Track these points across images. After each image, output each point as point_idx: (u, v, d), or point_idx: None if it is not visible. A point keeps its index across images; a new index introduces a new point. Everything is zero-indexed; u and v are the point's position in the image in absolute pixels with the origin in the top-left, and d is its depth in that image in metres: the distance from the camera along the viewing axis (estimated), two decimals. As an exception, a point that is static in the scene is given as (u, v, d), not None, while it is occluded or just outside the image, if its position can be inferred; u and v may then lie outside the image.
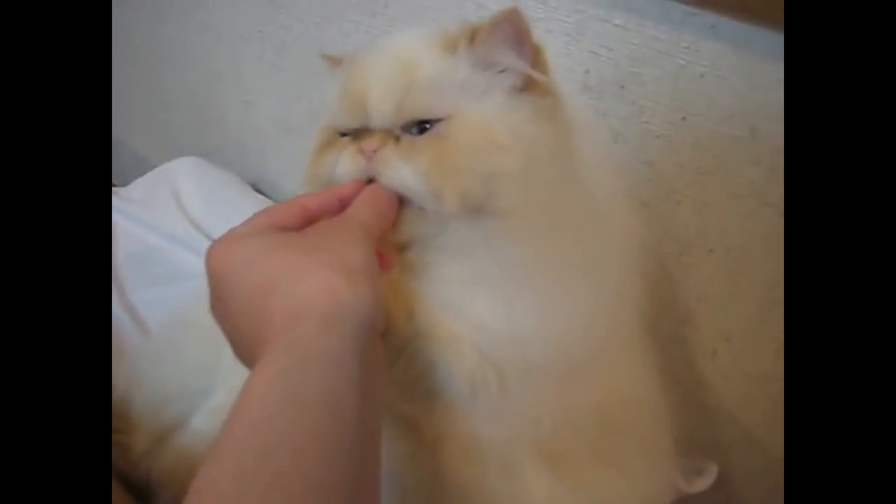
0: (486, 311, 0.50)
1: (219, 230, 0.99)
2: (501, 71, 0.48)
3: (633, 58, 0.66)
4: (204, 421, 0.64)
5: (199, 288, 0.56)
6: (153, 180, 1.04)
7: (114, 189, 1.04)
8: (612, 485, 0.59)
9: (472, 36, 0.48)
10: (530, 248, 0.50)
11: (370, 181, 0.48)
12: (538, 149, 0.48)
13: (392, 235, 0.50)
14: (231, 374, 0.62)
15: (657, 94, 0.66)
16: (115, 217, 0.98)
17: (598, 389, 0.56)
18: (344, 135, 0.51)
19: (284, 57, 1.00)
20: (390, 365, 0.49)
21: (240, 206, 1.02)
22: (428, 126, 0.47)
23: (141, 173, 1.11)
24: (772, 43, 0.58)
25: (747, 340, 0.70)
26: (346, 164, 0.49)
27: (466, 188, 0.46)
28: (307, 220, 0.47)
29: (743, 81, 0.60)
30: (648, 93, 0.66)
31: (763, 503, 0.78)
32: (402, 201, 0.48)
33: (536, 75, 0.48)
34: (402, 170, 0.46)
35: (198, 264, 0.97)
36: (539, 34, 0.65)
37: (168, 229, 0.96)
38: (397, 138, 0.47)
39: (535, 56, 0.49)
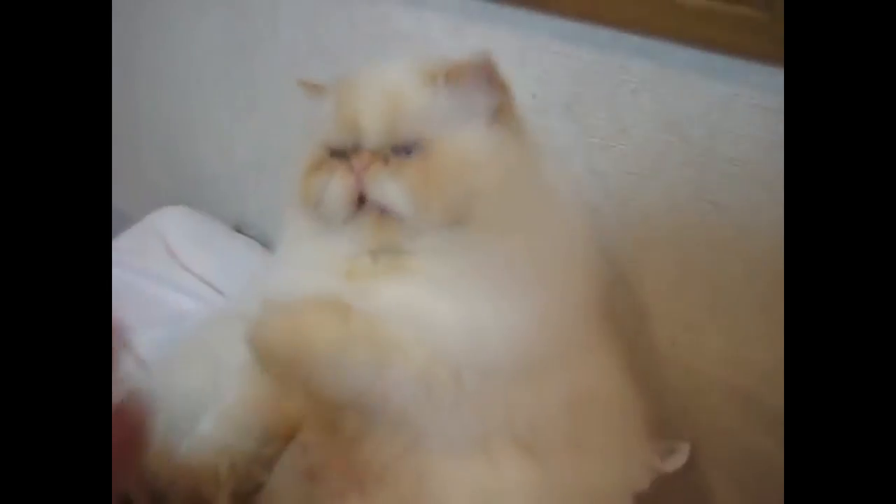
0: (446, 313, 0.56)
1: (210, 271, 1.04)
2: (474, 104, 0.56)
3: (573, 80, 0.73)
4: (211, 424, 0.67)
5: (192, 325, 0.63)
6: (141, 231, 1.10)
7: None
8: (588, 467, 0.64)
9: (449, 73, 0.56)
10: (495, 254, 0.57)
11: (360, 199, 0.55)
12: (509, 168, 0.57)
13: (374, 242, 0.57)
14: (239, 383, 0.65)
15: (597, 111, 0.73)
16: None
17: (565, 384, 0.62)
18: (334, 154, 0.58)
19: (256, 104, 1.06)
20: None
21: (227, 248, 1.09)
22: (413, 149, 0.55)
23: (121, 227, 1.16)
24: (690, 58, 0.65)
25: (703, 327, 0.77)
26: (338, 182, 0.56)
27: (450, 202, 0.54)
28: None
29: (669, 92, 0.68)
30: (589, 110, 0.74)
31: (731, 476, 0.84)
32: (382, 211, 0.56)
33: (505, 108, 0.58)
34: (390, 186, 0.54)
35: (190, 304, 1.02)
36: None
37: (160, 275, 1.02)
38: (385, 159, 0.55)
39: (502, 91, 0.58)
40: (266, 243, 1.10)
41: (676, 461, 0.84)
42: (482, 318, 0.57)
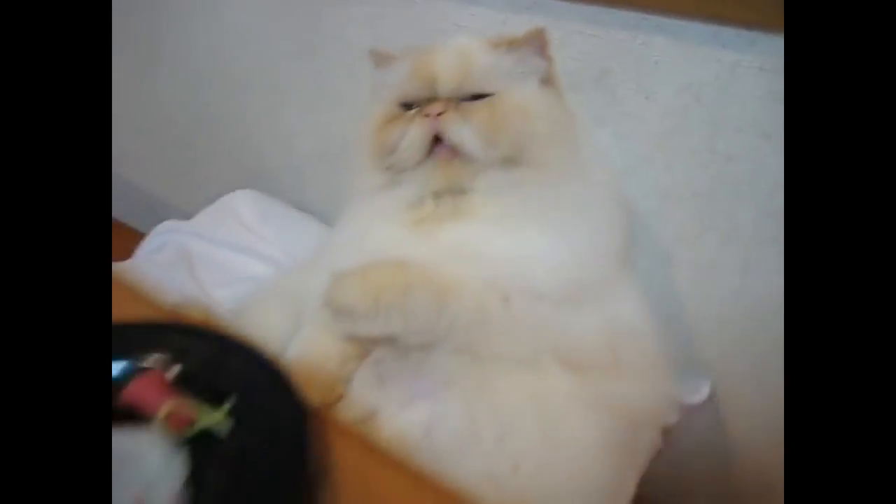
0: (498, 246, 0.68)
1: (277, 240, 1.17)
2: (530, 66, 0.71)
3: (603, 57, 0.87)
4: (296, 350, 0.75)
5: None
6: (217, 209, 1.24)
7: (183, 222, 1.24)
8: (624, 389, 0.73)
9: (511, 42, 0.70)
10: (543, 193, 0.70)
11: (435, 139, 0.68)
12: (557, 122, 0.71)
13: (442, 182, 0.70)
14: (316, 317, 0.75)
15: (625, 82, 0.87)
16: (190, 241, 1.17)
17: (601, 315, 0.72)
18: (405, 108, 0.71)
19: (321, 100, 1.21)
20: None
21: (291, 222, 1.22)
22: (480, 98, 0.68)
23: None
24: (703, 32, 0.79)
25: (717, 267, 0.88)
26: (416, 127, 0.68)
27: (511, 140, 0.67)
28: None
29: (685, 62, 0.81)
30: (618, 82, 0.87)
31: (752, 410, 0.94)
32: (451, 153, 0.68)
33: (554, 75, 0.73)
34: (463, 127, 0.67)
35: (260, 268, 1.15)
36: None
37: (235, 243, 1.15)
38: (457, 106, 0.68)
39: (549, 63, 0.72)
40: (324, 221, 1.23)
41: (700, 396, 0.94)
42: (529, 248, 0.69)
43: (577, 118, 0.75)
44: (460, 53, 0.70)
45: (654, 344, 0.77)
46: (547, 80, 0.73)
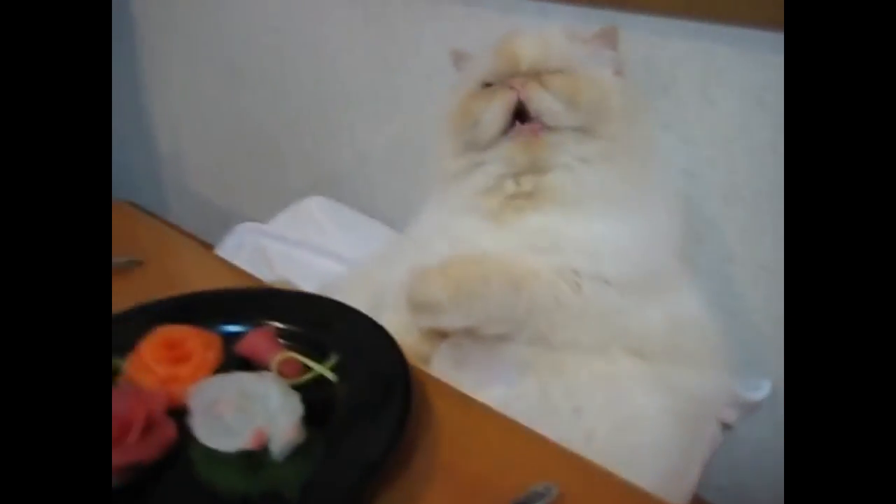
0: (572, 233, 0.73)
1: (350, 242, 1.23)
2: (604, 57, 0.78)
3: (668, 66, 0.92)
4: None
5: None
6: (293, 213, 1.31)
7: (260, 224, 1.31)
8: (685, 375, 0.77)
9: (586, 35, 0.79)
10: (619, 171, 0.75)
11: (518, 113, 0.74)
12: (629, 103, 0.77)
13: (523, 158, 0.75)
14: (397, 304, 0.80)
15: (689, 90, 0.92)
16: (267, 242, 1.25)
17: (663, 305, 0.76)
18: (488, 86, 0.77)
19: (395, 112, 1.29)
20: None
21: (363, 226, 1.29)
22: (560, 72, 0.74)
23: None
24: (763, 38, 0.83)
25: (779, 266, 0.91)
26: (500, 98, 0.74)
27: (590, 104, 0.73)
28: None
29: (747, 69, 0.86)
30: (682, 90, 0.92)
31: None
32: (532, 128, 0.73)
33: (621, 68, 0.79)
34: (545, 94, 0.73)
35: (333, 266, 1.21)
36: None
37: (311, 244, 1.22)
38: (538, 78, 0.74)
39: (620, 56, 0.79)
40: (394, 227, 1.29)
41: (759, 394, 0.97)
42: (600, 234, 0.74)
43: (646, 107, 0.82)
44: (540, 35, 0.78)
45: (714, 337, 0.81)
46: (619, 72, 0.79)
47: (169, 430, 0.54)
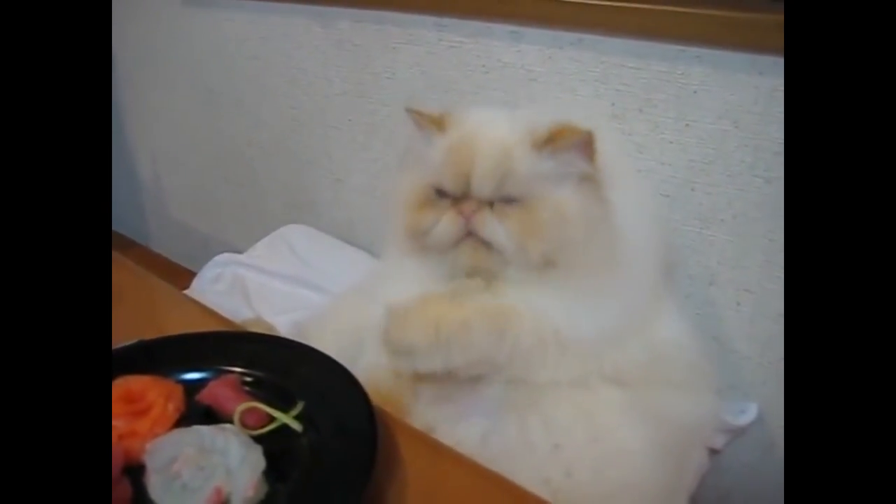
0: (543, 304, 0.69)
1: (328, 271, 1.22)
2: (570, 168, 0.67)
3: (645, 88, 0.91)
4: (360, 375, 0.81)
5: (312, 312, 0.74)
6: (269, 242, 1.30)
7: (238, 254, 1.29)
8: (666, 400, 0.75)
9: (556, 142, 0.66)
10: (579, 284, 0.70)
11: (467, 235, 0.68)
12: (592, 222, 0.68)
13: (471, 267, 0.70)
14: (374, 342, 0.77)
15: (666, 111, 0.90)
16: (245, 272, 1.23)
17: (643, 337, 0.74)
18: (441, 195, 0.70)
19: (372, 137, 1.27)
20: None
21: (341, 254, 1.28)
22: (515, 201, 0.67)
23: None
24: (740, 60, 0.83)
25: (762, 288, 0.90)
26: (448, 222, 0.68)
27: (546, 248, 0.66)
28: None
29: (723, 90, 0.85)
30: (660, 111, 0.91)
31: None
32: (483, 242, 0.68)
33: (593, 174, 0.68)
34: (497, 227, 0.67)
35: (312, 296, 1.20)
36: (573, 83, 0.93)
37: (287, 274, 1.21)
38: (491, 205, 0.67)
39: (594, 161, 0.67)
40: (372, 254, 1.28)
41: (747, 418, 0.95)
42: (572, 312, 0.70)
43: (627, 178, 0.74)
44: (500, 155, 0.68)
45: (699, 362, 0.79)
46: (586, 178, 0.69)
47: (123, 491, 0.51)
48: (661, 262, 0.78)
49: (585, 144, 0.66)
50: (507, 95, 1.05)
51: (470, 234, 0.68)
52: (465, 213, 0.68)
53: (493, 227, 0.67)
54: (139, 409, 0.57)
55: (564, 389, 0.72)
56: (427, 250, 0.72)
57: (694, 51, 0.86)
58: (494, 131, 0.70)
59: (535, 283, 0.69)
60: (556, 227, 0.67)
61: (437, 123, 0.73)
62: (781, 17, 0.77)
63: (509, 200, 0.67)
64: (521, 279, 0.69)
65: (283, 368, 0.64)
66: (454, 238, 0.69)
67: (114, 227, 2.08)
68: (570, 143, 0.66)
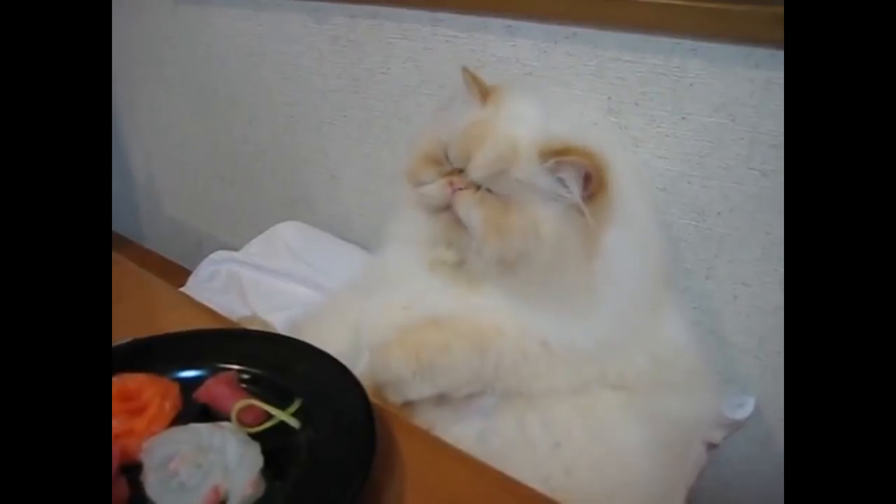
0: (525, 313, 0.70)
1: (323, 267, 1.21)
2: (565, 192, 0.65)
3: (641, 82, 0.91)
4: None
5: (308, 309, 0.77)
6: (265, 239, 1.29)
7: (233, 252, 1.29)
8: (667, 401, 0.75)
9: (561, 160, 0.64)
10: (551, 295, 0.70)
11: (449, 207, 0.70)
12: (565, 250, 0.67)
13: (442, 238, 0.72)
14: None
15: (662, 104, 0.90)
16: (241, 270, 1.23)
17: (644, 346, 0.74)
18: (448, 159, 0.72)
19: (367, 133, 1.27)
20: None
21: (336, 250, 1.27)
22: (500, 196, 0.68)
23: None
24: (735, 52, 0.82)
25: (759, 281, 0.90)
26: (437, 187, 0.71)
27: (504, 251, 0.67)
28: None
29: (719, 83, 0.85)
30: (655, 105, 0.91)
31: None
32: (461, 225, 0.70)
33: (584, 210, 0.65)
34: (473, 210, 0.68)
35: (308, 293, 1.19)
36: (568, 77, 0.92)
37: (282, 270, 1.20)
38: (477, 188, 0.69)
39: (596, 187, 0.65)
40: (368, 249, 1.27)
41: (745, 411, 0.95)
42: (562, 323, 0.70)
43: (606, 247, 0.68)
44: (505, 152, 0.68)
45: (697, 360, 0.79)
46: (575, 207, 0.66)
47: (121, 490, 0.51)
48: (664, 278, 0.78)
49: (587, 176, 0.64)
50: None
51: (450, 207, 0.71)
52: (454, 186, 0.70)
53: (469, 209, 0.69)
54: (136, 407, 0.57)
55: (563, 393, 0.72)
56: (419, 207, 0.75)
57: (689, 44, 0.85)
58: (515, 128, 0.70)
59: (494, 282, 0.70)
60: (522, 238, 0.67)
61: (483, 94, 0.75)
62: (777, 10, 0.77)
63: (496, 194, 0.69)
64: (484, 272, 0.70)
65: (280, 365, 0.63)
66: (437, 202, 0.72)
67: (108, 226, 2.07)
68: (571, 167, 0.65)
